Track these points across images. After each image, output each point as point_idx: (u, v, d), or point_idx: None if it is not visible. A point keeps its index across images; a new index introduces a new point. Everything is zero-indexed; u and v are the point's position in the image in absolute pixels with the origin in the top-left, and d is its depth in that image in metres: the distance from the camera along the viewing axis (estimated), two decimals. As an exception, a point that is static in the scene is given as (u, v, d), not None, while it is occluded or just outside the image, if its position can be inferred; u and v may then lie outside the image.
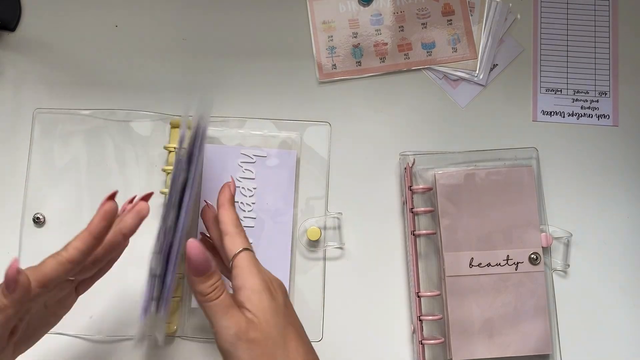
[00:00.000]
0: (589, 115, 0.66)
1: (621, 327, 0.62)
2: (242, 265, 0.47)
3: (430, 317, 0.59)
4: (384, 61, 0.65)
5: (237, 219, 0.50)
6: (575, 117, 0.66)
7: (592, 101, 0.66)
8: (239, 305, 0.46)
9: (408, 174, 0.61)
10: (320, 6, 0.66)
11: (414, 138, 0.64)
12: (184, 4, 0.66)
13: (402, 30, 0.66)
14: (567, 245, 0.63)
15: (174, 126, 0.62)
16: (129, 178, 0.62)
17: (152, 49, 0.65)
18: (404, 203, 0.62)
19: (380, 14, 0.66)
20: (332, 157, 0.64)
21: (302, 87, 0.65)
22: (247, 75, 0.65)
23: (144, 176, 0.62)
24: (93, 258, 0.48)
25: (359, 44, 0.66)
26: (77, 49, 0.65)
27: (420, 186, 0.61)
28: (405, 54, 0.66)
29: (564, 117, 0.66)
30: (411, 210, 0.61)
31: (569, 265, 0.62)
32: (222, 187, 0.52)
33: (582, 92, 0.66)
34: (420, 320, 0.59)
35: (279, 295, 0.47)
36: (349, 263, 0.62)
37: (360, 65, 0.65)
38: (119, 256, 0.52)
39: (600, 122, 0.66)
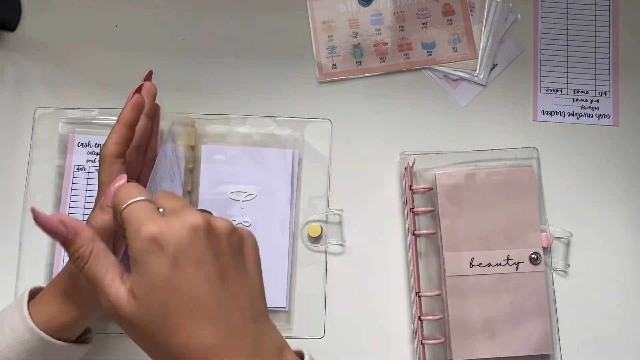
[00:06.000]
0: (589, 115, 0.66)
1: (621, 327, 0.62)
2: (128, 216, 0.37)
3: (430, 317, 0.59)
4: (384, 61, 0.65)
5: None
6: (575, 117, 0.66)
7: (592, 101, 0.66)
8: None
9: (408, 174, 0.61)
10: (320, 6, 0.66)
11: (414, 138, 0.64)
12: (183, 4, 0.66)
13: (402, 30, 0.66)
14: (568, 245, 0.63)
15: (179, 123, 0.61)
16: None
17: (152, 49, 0.65)
18: (404, 203, 0.62)
19: (381, 14, 0.66)
20: (333, 156, 0.64)
21: (302, 87, 0.65)
22: (247, 76, 0.65)
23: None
24: (135, 149, 0.52)
25: (359, 43, 0.66)
26: (77, 49, 0.65)
27: (421, 186, 0.61)
28: (405, 54, 0.66)
29: (564, 117, 0.66)
30: (411, 210, 0.61)
31: (569, 265, 0.62)
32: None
33: (582, 92, 0.66)
34: (420, 320, 0.59)
35: (170, 249, 0.35)
36: (349, 262, 0.62)
37: (360, 65, 0.65)
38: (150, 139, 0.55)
39: (601, 122, 0.66)
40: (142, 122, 0.53)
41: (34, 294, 0.50)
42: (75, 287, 0.47)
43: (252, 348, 0.36)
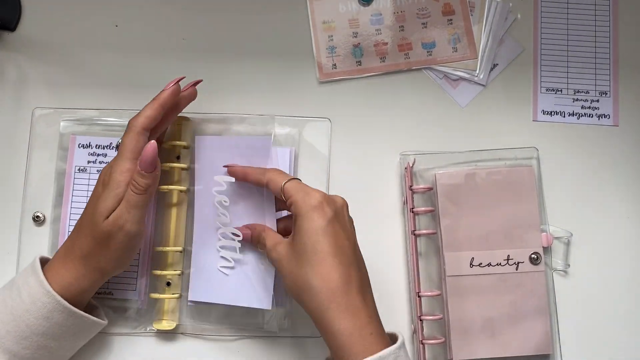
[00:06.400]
0: (590, 115, 0.66)
1: (621, 327, 0.62)
2: (291, 190, 0.52)
3: (430, 317, 0.59)
4: (384, 61, 0.65)
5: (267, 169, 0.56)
6: (575, 117, 0.66)
7: (592, 101, 0.66)
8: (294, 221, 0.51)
9: (408, 174, 0.61)
10: (320, 6, 0.66)
11: (414, 138, 0.64)
12: (184, 4, 0.66)
13: (403, 30, 0.66)
14: (568, 245, 0.63)
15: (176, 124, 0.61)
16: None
17: (152, 49, 0.65)
18: (405, 203, 0.62)
19: (381, 14, 0.66)
20: (332, 156, 0.64)
21: (302, 87, 0.65)
22: (247, 76, 0.65)
23: None
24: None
25: (359, 43, 0.66)
26: (77, 49, 0.65)
27: (421, 186, 0.61)
28: (405, 54, 0.66)
29: (564, 116, 0.66)
30: (412, 210, 0.61)
31: (569, 265, 0.62)
32: (231, 169, 0.57)
33: (582, 92, 0.66)
34: (420, 320, 0.59)
35: (329, 211, 0.50)
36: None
37: (360, 65, 0.65)
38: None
39: (601, 122, 0.66)
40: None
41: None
42: (87, 252, 0.52)
43: (362, 291, 0.50)
